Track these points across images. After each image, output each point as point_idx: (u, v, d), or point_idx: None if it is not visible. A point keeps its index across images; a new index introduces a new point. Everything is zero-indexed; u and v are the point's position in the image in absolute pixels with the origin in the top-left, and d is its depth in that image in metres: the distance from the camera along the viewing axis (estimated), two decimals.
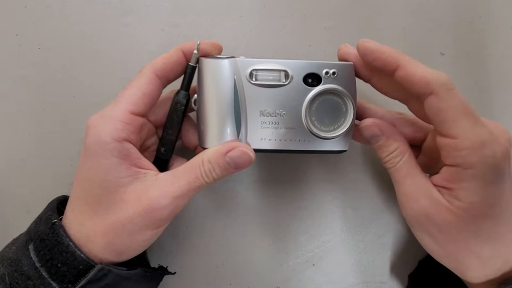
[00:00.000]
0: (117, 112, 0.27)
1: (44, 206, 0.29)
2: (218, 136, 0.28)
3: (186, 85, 0.29)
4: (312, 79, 0.28)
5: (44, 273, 0.25)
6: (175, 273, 0.33)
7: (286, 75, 0.28)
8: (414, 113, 0.29)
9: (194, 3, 0.36)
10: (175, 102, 0.29)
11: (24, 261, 0.26)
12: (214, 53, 0.29)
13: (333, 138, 0.28)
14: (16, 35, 0.35)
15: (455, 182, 0.25)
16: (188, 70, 0.29)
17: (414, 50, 0.37)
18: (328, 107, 0.28)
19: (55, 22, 0.36)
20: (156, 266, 0.33)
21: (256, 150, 0.28)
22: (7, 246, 0.28)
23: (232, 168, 0.27)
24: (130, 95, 0.27)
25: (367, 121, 0.28)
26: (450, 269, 0.28)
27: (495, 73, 0.37)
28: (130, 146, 0.27)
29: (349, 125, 0.28)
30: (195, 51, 0.28)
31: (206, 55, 0.29)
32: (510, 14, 0.37)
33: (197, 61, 0.29)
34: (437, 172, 0.28)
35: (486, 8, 0.37)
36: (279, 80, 0.28)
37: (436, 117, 0.25)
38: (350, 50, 0.29)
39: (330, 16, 0.36)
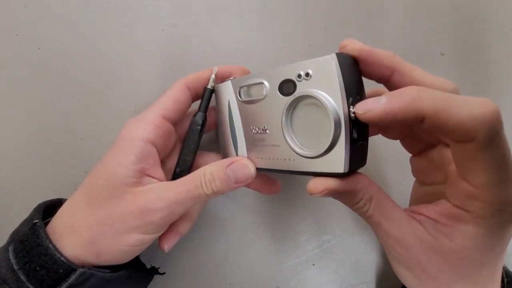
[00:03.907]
0: (149, 115, 0.28)
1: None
2: (227, 155, 0.30)
3: (203, 107, 0.30)
4: (287, 86, 0.24)
5: (22, 277, 0.24)
6: (164, 273, 0.33)
7: (265, 87, 0.26)
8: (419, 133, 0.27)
9: (194, 3, 0.36)
10: (191, 123, 0.30)
11: (2, 263, 0.25)
12: (240, 76, 0.30)
13: (316, 157, 0.22)
14: (16, 35, 0.35)
15: (453, 221, 0.23)
16: (205, 93, 0.30)
17: (414, 50, 0.37)
18: (310, 118, 0.23)
19: (55, 22, 0.36)
20: (155, 266, 0.33)
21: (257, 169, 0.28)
22: None
23: (231, 181, 0.27)
24: (162, 102, 0.29)
25: (314, 189, 0.23)
26: None
27: (495, 73, 0.37)
28: (153, 149, 0.28)
29: (332, 137, 0.21)
30: (213, 76, 0.30)
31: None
32: (510, 14, 0.37)
33: (213, 85, 0.30)
34: (424, 164, 0.27)
35: (486, 8, 0.37)
36: (261, 94, 0.26)
37: (466, 163, 0.21)
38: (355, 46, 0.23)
39: (330, 16, 0.36)
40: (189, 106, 0.31)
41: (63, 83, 0.36)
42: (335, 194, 0.23)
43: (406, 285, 0.27)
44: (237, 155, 0.29)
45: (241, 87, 0.28)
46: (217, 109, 0.31)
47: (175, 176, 0.30)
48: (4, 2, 0.35)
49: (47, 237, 0.25)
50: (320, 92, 0.22)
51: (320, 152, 0.22)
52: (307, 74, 0.22)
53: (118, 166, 0.26)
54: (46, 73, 0.36)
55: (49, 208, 0.29)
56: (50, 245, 0.25)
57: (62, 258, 0.25)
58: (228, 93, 0.29)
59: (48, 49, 0.36)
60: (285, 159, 0.25)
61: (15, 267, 0.24)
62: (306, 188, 0.23)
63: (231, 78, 0.29)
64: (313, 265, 0.37)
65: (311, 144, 0.23)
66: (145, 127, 0.28)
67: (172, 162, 0.32)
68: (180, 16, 0.36)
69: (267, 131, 0.26)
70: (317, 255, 0.37)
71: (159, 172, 0.28)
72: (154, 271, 0.33)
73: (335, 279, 0.37)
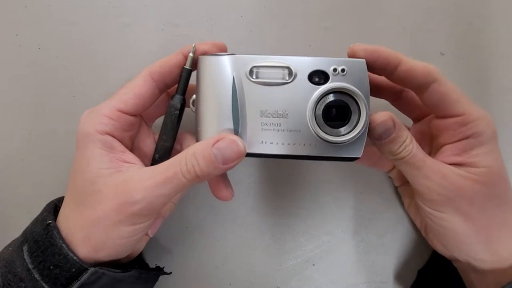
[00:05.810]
0: (104, 108, 0.27)
1: (44, 206, 0.29)
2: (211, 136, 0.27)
3: (181, 89, 0.28)
4: (318, 77, 0.26)
5: (36, 275, 0.25)
6: (170, 273, 0.33)
7: (290, 72, 0.26)
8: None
9: (194, 3, 0.36)
10: (169, 107, 0.28)
11: (17, 262, 0.25)
12: (215, 52, 0.28)
13: (342, 143, 0.26)
14: (16, 35, 0.35)
15: (466, 152, 0.27)
16: (184, 74, 0.28)
17: (414, 50, 0.37)
18: (337, 108, 0.26)
19: (55, 22, 0.36)
20: (154, 266, 0.33)
21: (256, 155, 0.27)
22: (5, 247, 0.28)
23: (218, 161, 0.25)
24: (122, 94, 0.28)
25: (382, 116, 0.26)
26: (477, 253, 0.27)
27: (495, 73, 0.37)
28: (114, 139, 0.27)
29: (360, 128, 0.25)
30: (191, 54, 0.27)
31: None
32: (510, 14, 0.37)
33: (192, 64, 0.28)
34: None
35: (486, 8, 0.37)
36: (282, 78, 0.26)
37: (441, 101, 0.27)
38: (361, 47, 0.27)
39: (330, 16, 0.36)
40: (155, 99, 0.29)
41: (63, 83, 0.36)
42: (394, 125, 0.26)
43: (454, 234, 0.27)
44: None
45: (254, 67, 0.26)
46: (205, 83, 0.27)
47: (154, 163, 0.29)
48: (4, 2, 0.35)
49: (61, 237, 0.26)
50: (355, 87, 0.25)
51: (347, 139, 0.25)
52: (343, 70, 0.26)
53: (89, 161, 0.26)
54: (46, 73, 0.36)
55: (56, 207, 0.29)
56: (64, 245, 0.25)
57: (74, 258, 0.25)
58: (231, 69, 0.26)
59: (48, 49, 0.36)
60: (304, 144, 0.26)
61: (30, 266, 0.25)
62: (375, 120, 0.26)
63: (229, 53, 0.27)
64: (313, 265, 0.37)
65: (334, 132, 0.26)
66: (98, 120, 0.27)
67: (145, 146, 0.30)
68: (180, 16, 0.36)
69: (287, 115, 0.26)
70: (317, 255, 0.37)
71: (132, 156, 0.28)
72: (161, 271, 0.33)
73: (335, 279, 0.37)
